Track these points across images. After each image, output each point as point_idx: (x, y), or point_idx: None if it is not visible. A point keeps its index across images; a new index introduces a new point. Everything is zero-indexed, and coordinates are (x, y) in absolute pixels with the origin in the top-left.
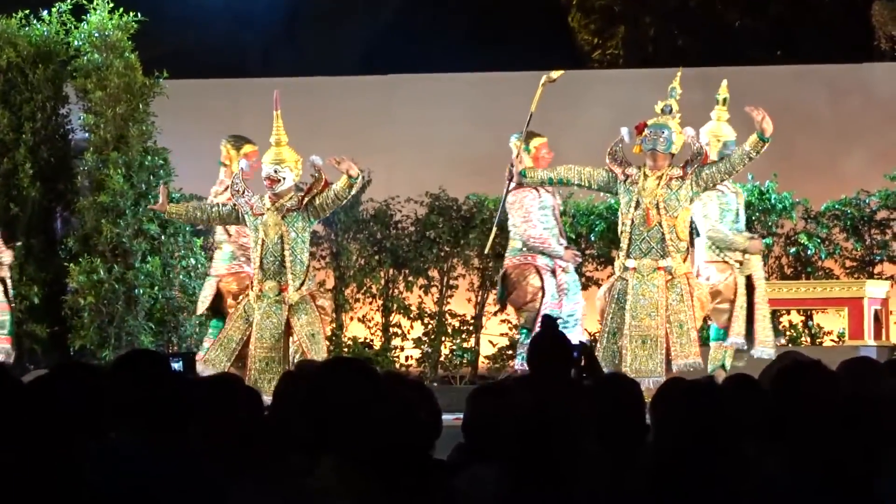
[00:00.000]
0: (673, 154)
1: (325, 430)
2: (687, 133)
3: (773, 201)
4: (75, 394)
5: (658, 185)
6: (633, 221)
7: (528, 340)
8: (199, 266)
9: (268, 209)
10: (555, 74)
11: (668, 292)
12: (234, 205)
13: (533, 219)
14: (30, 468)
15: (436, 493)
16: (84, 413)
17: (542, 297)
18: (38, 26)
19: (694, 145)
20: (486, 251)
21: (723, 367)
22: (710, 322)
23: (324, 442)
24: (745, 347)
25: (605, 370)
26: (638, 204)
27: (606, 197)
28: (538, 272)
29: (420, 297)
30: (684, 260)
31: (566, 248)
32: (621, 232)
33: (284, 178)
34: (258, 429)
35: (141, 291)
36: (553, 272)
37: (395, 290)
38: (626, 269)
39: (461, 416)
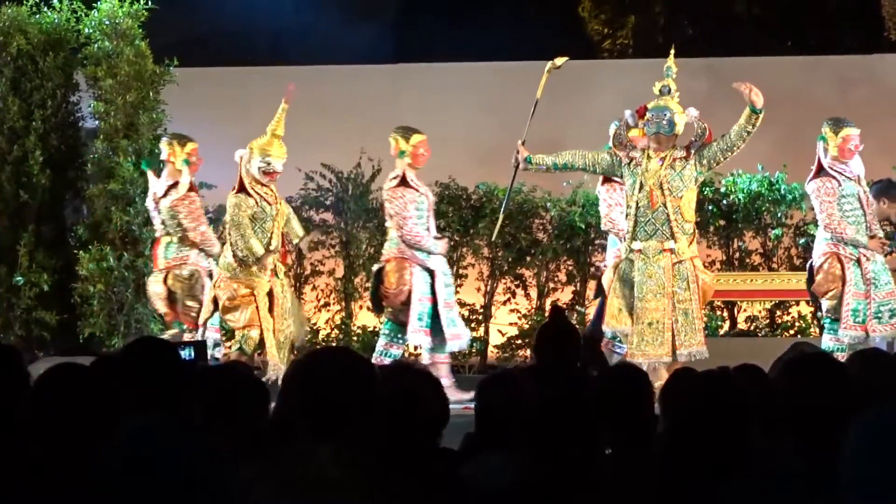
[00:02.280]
0: (676, 135)
1: (327, 419)
2: (690, 113)
3: (782, 192)
4: (83, 388)
5: (662, 166)
6: (637, 204)
7: None
8: None
9: (279, 200)
10: (559, 61)
11: (674, 277)
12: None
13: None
14: (37, 455)
15: (442, 480)
16: (92, 405)
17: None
18: (49, 14)
19: (697, 126)
20: (493, 238)
21: None
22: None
23: (326, 430)
24: None
25: (621, 327)
26: (642, 186)
27: None
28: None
29: None
30: (690, 242)
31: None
32: (626, 215)
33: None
34: (263, 417)
35: None
36: None
37: None
38: (631, 251)
39: (470, 405)
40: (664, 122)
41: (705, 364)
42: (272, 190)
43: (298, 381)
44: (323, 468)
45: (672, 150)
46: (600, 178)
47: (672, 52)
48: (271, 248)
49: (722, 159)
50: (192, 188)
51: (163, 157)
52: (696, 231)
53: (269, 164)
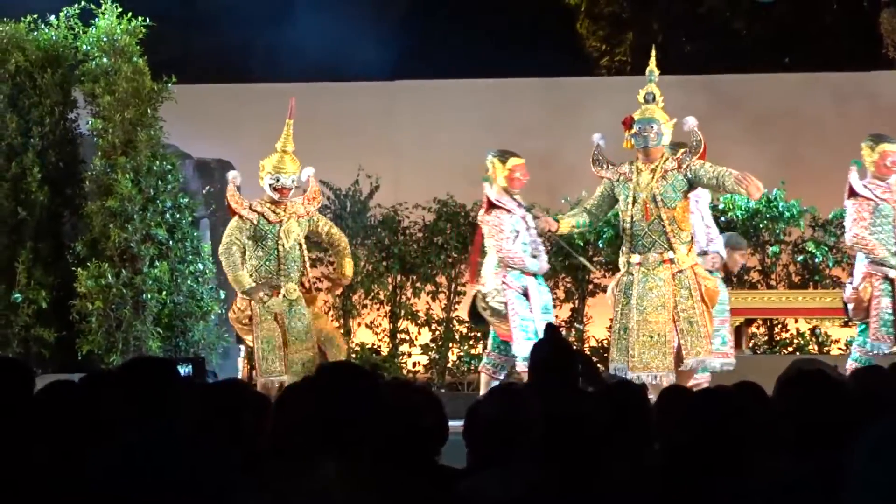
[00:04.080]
0: (664, 145)
1: (329, 435)
2: (688, 123)
3: (780, 209)
4: (82, 401)
5: (653, 178)
6: (632, 218)
7: None
8: (207, 271)
9: (286, 216)
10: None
11: (676, 288)
12: (242, 218)
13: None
14: (37, 467)
15: (440, 497)
16: (90, 418)
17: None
18: (47, 31)
19: (694, 136)
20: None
21: None
22: None
23: (329, 445)
24: None
25: (620, 364)
26: (635, 200)
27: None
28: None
29: (428, 303)
30: (689, 251)
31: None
32: (623, 230)
33: (296, 187)
34: (263, 432)
35: (149, 296)
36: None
37: (403, 297)
38: (630, 264)
39: None
40: (652, 135)
41: (715, 380)
42: (284, 209)
43: (301, 396)
44: (325, 483)
45: (662, 160)
46: (846, 192)
47: (653, 52)
48: (279, 270)
49: (710, 187)
50: (491, 204)
51: (489, 172)
52: (694, 239)
53: (277, 179)
